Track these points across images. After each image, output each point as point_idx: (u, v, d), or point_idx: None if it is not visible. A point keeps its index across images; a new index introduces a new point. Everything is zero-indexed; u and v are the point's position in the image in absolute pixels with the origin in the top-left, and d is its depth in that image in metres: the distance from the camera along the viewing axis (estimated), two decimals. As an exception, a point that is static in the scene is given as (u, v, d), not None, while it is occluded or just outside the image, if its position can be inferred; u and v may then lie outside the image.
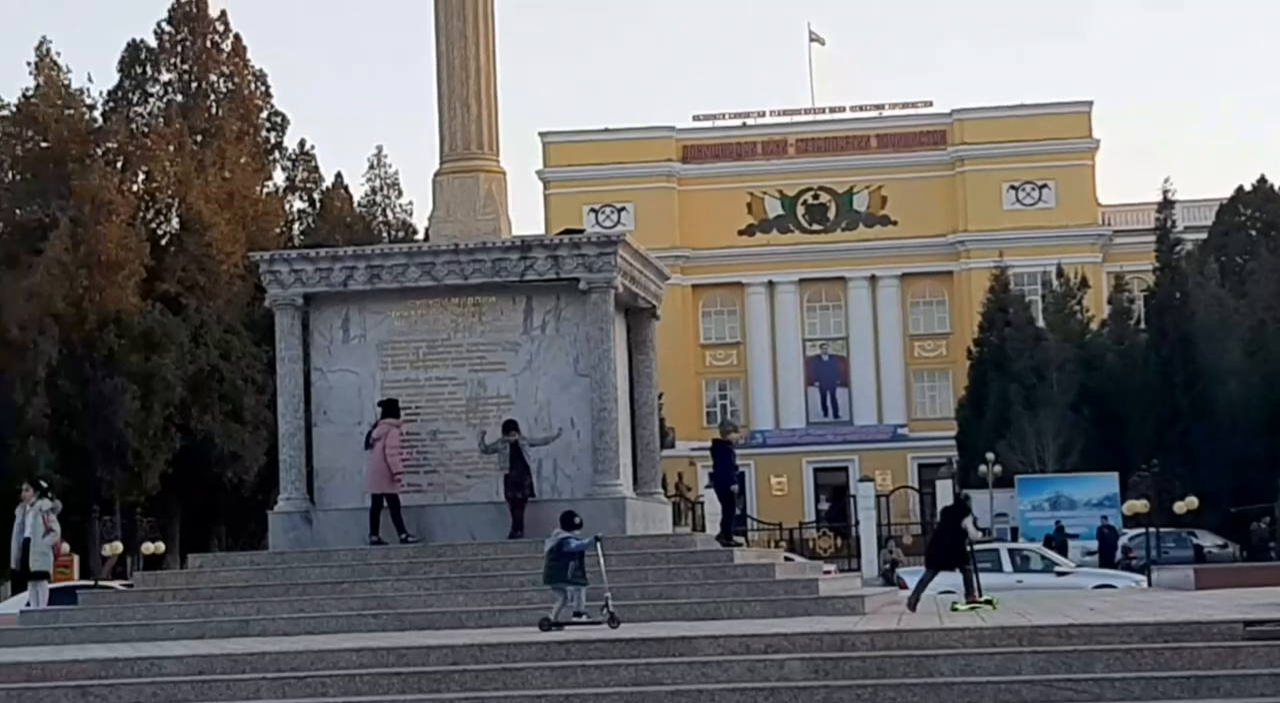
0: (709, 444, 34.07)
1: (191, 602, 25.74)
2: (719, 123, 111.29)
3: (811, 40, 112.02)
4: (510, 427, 26.19)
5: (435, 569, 26.04)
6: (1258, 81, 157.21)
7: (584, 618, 22.02)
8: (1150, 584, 43.86)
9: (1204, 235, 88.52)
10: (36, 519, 32.09)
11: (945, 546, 29.06)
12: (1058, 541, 55.39)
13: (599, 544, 23.40)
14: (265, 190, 79.28)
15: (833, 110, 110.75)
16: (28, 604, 31.48)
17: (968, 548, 28.37)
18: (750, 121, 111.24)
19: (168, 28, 77.37)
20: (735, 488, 32.67)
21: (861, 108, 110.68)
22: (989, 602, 27.61)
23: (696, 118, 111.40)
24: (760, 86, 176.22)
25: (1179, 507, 65.70)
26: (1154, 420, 75.05)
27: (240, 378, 69.24)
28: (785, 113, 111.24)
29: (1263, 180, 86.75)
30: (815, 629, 19.86)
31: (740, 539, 32.45)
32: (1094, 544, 59.17)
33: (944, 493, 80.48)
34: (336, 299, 28.05)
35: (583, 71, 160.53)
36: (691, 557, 27.03)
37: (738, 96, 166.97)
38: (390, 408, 26.97)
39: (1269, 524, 64.21)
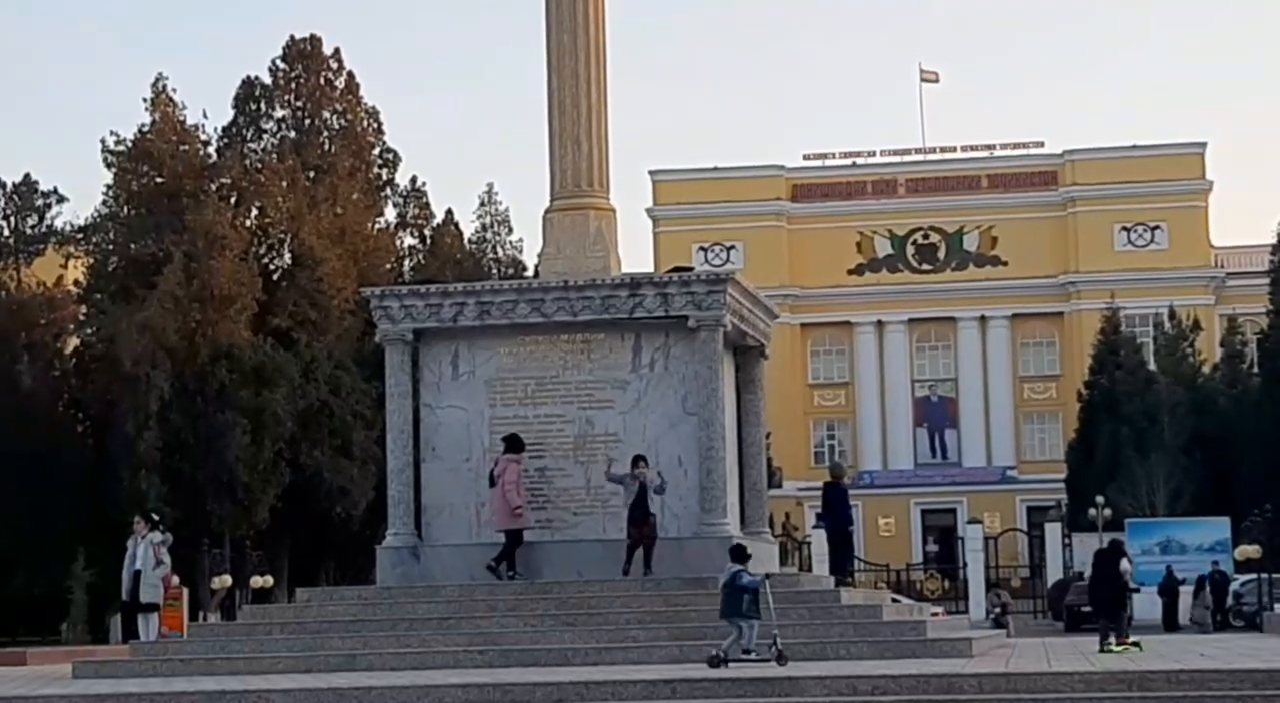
0: (818, 484, 34.28)
1: (299, 635, 25.90)
2: (829, 162, 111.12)
3: (923, 79, 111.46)
4: (639, 460, 26.15)
5: (542, 606, 26.10)
6: None
7: (753, 655, 22.02)
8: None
9: None
10: (147, 551, 32.35)
11: (1107, 590, 30.02)
12: (1167, 586, 54.82)
13: (768, 582, 23.70)
14: (376, 227, 79.74)
15: (943, 150, 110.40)
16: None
17: (1127, 591, 29.12)
18: (860, 161, 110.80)
19: (282, 65, 78.04)
20: (851, 528, 32.95)
21: (972, 148, 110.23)
22: (1137, 644, 28.07)
23: (806, 157, 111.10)
24: (871, 126, 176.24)
25: (1302, 550, 65.48)
26: (1266, 464, 73.64)
27: (349, 413, 69.59)
28: (895, 152, 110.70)
29: None
30: (922, 671, 19.87)
31: (849, 580, 32.68)
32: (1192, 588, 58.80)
33: (1053, 536, 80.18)
34: (446, 335, 28.19)
35: (693, 110, 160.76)
36: (798, 596, 26.83)
37: (848, 136, 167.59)
38: (512, 443, 27.00)
39: None
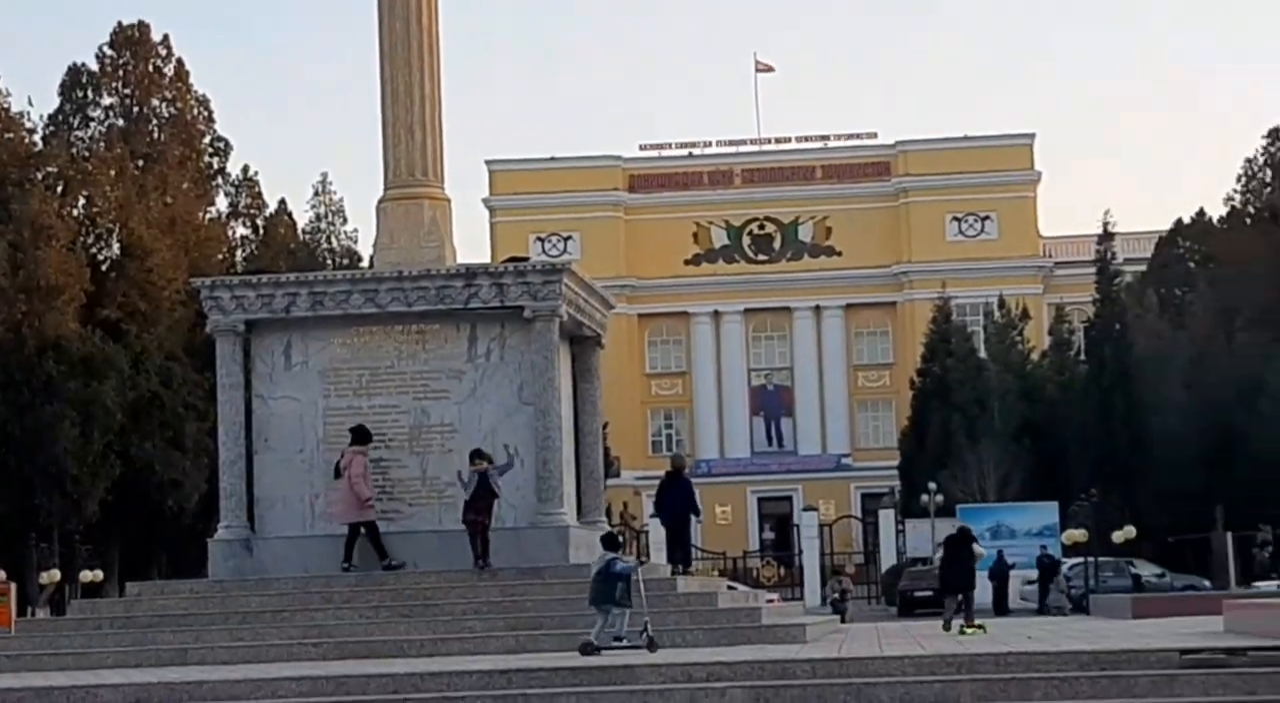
0: (656, 474, 34.41)
1: (129, 630, 25.65)
2: (665, 153, 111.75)
3: (758, 70, 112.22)
4: (477, 455, 26.05)
5: (377, 598, 25.96)
6: (1197, 115, 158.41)
7: (624, 642, 22.08)
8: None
9: (1143, 267, 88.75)
10: None
11: (959, 572, 31.10)
12: (997, 570, 55.67)
13: (640, 569, 23.86)
14: (208, 216, 78.90)
15: (778, 141, 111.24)
16: None
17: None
18: (696, 151, 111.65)
19: (109, 52, 77.09)
20: (698, 518, 33.23)
21: (807, 138, 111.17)
22: (981, 627, 28.81)
23: (643, 147, 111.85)
24: (708, 117, 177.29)
25: (1117, 536, 66.44)
26: (1093, 451, 75.64)
27: (181, 405, 68.95)
28: (731, 143, 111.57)
29: (1201, 213, 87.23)
30: (757, 658, 20.07)
31: (688, 569, 32.92)
32: (1034, 573, 59.86)
33: (886, 523, 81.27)
34: (279, 326, 28.01)
35: (531, 100, 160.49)
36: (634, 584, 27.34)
37: (685, 127, 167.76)
38: (359, 435, 26.87)
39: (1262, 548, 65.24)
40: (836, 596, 60.02)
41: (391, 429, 27.59)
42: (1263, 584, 53.06)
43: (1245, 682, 17.57)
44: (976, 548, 33.95)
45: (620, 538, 25.60)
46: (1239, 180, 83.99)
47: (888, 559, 79.13)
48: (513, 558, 26.67)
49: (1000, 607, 55.25)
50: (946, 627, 29.92)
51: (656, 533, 56.39)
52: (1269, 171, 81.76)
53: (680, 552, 33.92)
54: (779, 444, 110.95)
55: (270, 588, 26.71)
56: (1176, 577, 65.04)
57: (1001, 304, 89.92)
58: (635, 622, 22.38)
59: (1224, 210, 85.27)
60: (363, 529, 26.79)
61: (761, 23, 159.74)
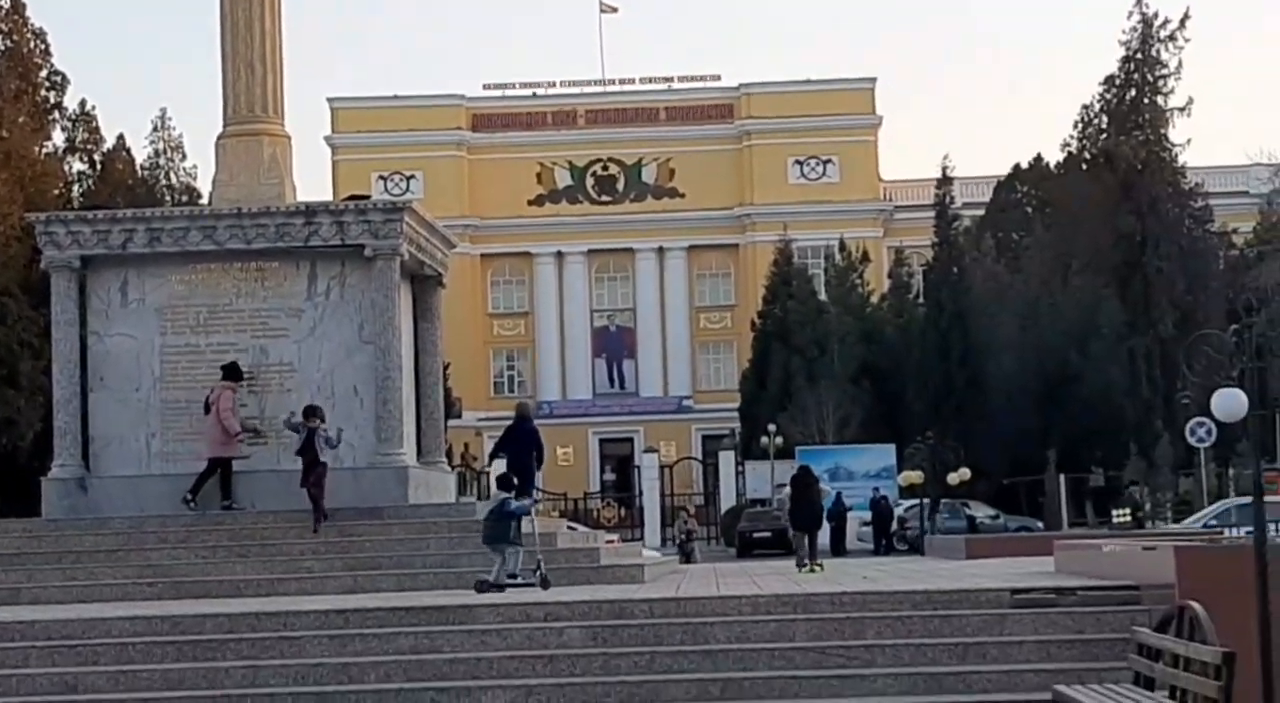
0: (499, 414, 34.97)
1: None
2: (509, 92, 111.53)
3: (602, 10, 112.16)
4: (311, 412, 26.19)
5: (214, 537, 26.15)
6: (1035, 60, 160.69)
7: (518, 579, 22.64)
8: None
9: (981, 212, 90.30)
10: None
11: (809, 511, 32.18)
12: (835, 511, 56.93)
13: (535, 508, 24.70)
14: (44, 151, 77.48)
15: (622, 82, 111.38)
16: None
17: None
18: (540, 92, 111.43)
19: None
20: (540, 462, 33.89)
21: (650, 80, 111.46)
22: (820, 566, 29.89)
23: (487, 87, 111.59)
24: (551, 57, 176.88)
25: (953, 478, 67.34)
26: (931, 393, 76.82)
27: (16, 342, 67.86)
28: (575, 84, 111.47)
29: (1039, 159, 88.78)
30: (594, 597, 20.50)
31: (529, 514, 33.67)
32: (870, 515, 61.38)
33: (726, 464, 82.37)
34: (115, 263, 28.08)
35: (374, 37, 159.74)
36: (474, 525, 26.71)
37: (529, 67, 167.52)
38: (230, 371, 27.05)
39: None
40: (683, 537, 60.91)
41: (239, 363, 27.46)
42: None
43: (1074, 621, 18.18)
44: (822, 486, 34.95)
45: (514, 480, 26.16)
46: (1075, 127, 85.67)
47: (727, 500, 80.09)
48: (351, 498, 26.90)
49: (838, 548, 56.59)
50: (800, 565, 30.68)
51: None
52: (1104, 118, 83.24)
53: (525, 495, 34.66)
54: (620, 385, 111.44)
55: (105, 527, 26.81)
56: (1010, 518, 66.65)
57: (842, 248, 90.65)
58: (529, 560, 22.99)
59: (1061, 156, 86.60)
60: (218, 467, 26.85)
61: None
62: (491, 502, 25.03)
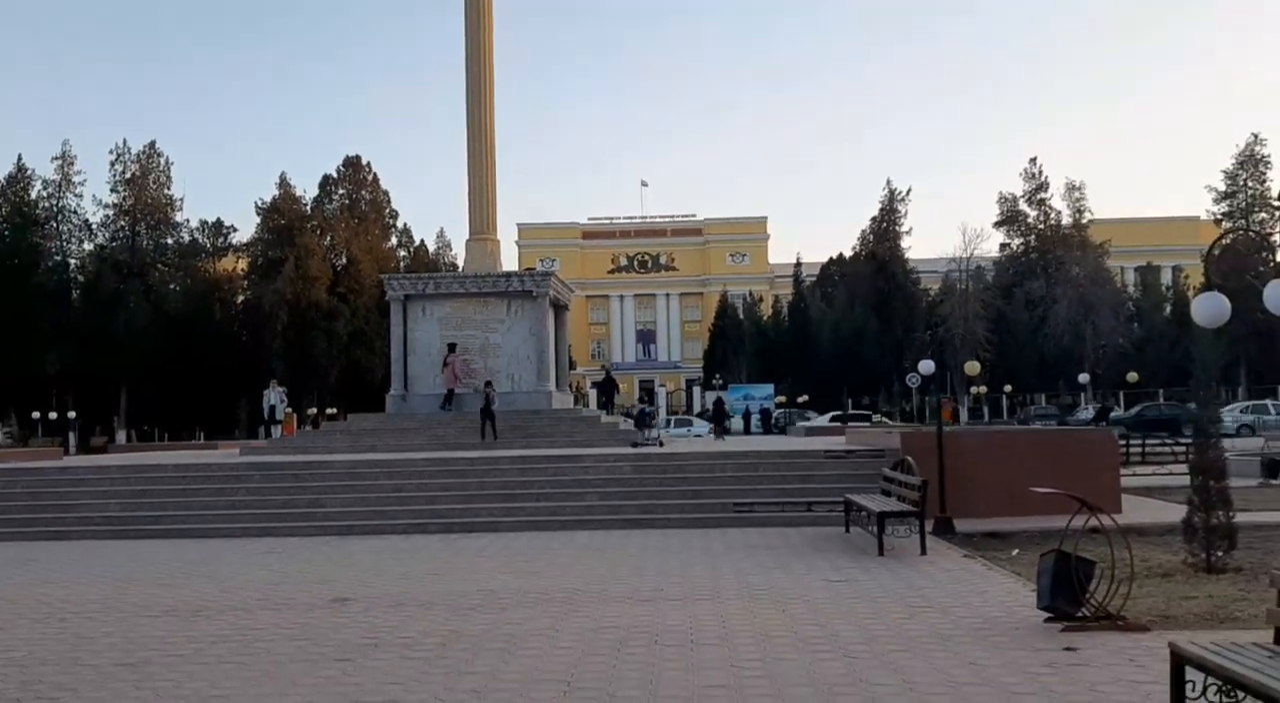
0: (594, 370, 36.76)
1: (348, 436, 26.86)
2: (599, 220, 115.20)
3: (642, 185, 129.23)
4: (488, 384, 26.45)
5: (458, 423, 26.85)
6: (853, 185, 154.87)
7: (653, 443, 24.84)
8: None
9: (816, 276, 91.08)
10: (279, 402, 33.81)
11: (719, 414, 33.21)
12: (716, 413, 59.60)
13: (655, 410, 27.51)
14: (386, 246, 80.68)
15: (650, 216, 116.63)
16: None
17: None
18: (613, 221, 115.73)
19: (342, 168, 79.74)
20: (619, 396, 35.82)
21: (664, 217, 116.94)
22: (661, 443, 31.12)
23: (590, 218, 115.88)
24: (618, 203, 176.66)
25: (801, 399, 69.90)
26: (788, 361, 78.38)
27: (375, 334, 69.44)
28: (628, 217, 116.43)
29: (842, 254, 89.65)
30: (636, 452, 21.37)
31: (607, 413, 35.43)
32: (758, 417, 63.14)
33: (697, 394, 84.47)
34: (419, 298, 28.99)
35: (540, 185, 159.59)
36: (581, 419, 28.41)
37: (606, 208, 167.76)
38: (452, 348, 28.19)
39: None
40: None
41: (471, 345, 28.71)
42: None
43: (854, 464, 18.62)
44: (647, 410, 35.09)
45: (647, 399, 29.79)
46: (859, 239, 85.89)
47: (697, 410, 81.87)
48: (525, 405, 27.54)
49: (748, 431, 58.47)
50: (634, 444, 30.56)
51: (593, 398, 59.51)
52: (872, 236, 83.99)
53: (607, 408, 36.28)
54: (649, 356, 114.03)
55: (413, 419, 27.79)
56: (825, 418, 68.85)
57: (750, 296, 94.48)
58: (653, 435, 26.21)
59: (851, 252, 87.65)
60: (451, 393, 27.96)
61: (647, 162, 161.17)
62: (638, 408, 28.33)
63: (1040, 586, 8.46)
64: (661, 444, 25.81)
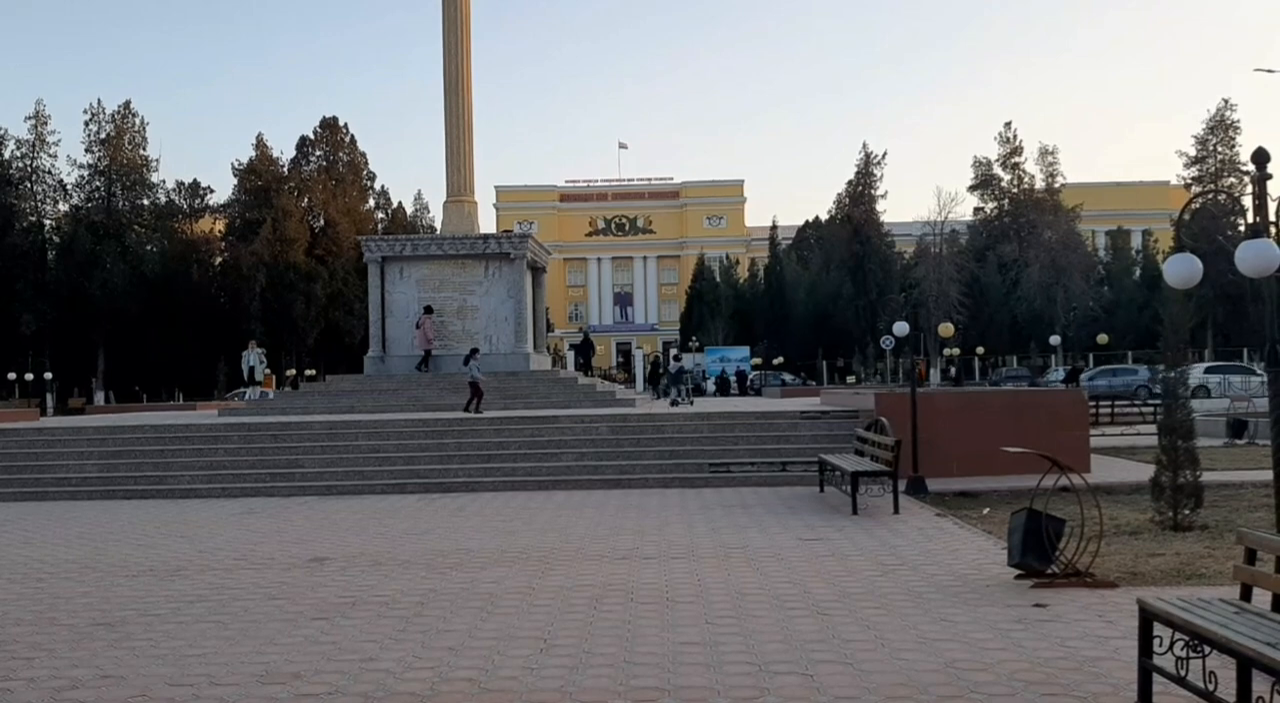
0: (572, 332, 36.68)
1: (326, 397, 26.58)
2: (577, 183, 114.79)
3: (620, 146, 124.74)
4: (472, 354, 25.21)
5: (436, 385, 26.52)
6: (832, 146, 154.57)
7: (683, 401, 26.24)
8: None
9: (792, 239, 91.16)
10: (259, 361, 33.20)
11: (677, 377, 31.94)
12: (718, 378, 59.34)
13: (686, 374, 28.61)
14: (364, 208, 79.91)
15: (628, 178, 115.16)
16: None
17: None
18: (591, 184, 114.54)
19: (319, 129, 78.89)
20: (594, 356, 35.57)
21: (642, 179, 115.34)
22: (692, 402, 31.88)
23: (567, 181, 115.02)
24: (595, 165, 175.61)
25: (776, 361, 70.28)
26: (765, 323, 78.68)
27: (353, 296, 69.88)
28: (606, 180, 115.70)
29: (818, 217, 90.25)
30: (613, 412, 21.22)
31: (579, 374, 35.27)
32: (734, 380, 63.43)
33: (672, 356, 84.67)
34: (396, 259, 28.43)
35: (518, 146, 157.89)
36: (559, 380, 27.99)
37: (584, 169, 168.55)
38: (427, 309, 27.81)
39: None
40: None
41: (449, 306, 28.31)
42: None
43: (828, 424, 18.71)
44: (685, 366, 35.76)
45: (683, 359, 30.14)
46: (835, 201, 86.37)
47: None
48: (504, 367, 27.23)
49: (724, 393, 58.83)
50: (678, 403, 29.75)
51: (570, 359, 59.63)
52: (848, 199, 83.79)
53: (583, 369, 36.25)
54: (626, 319, 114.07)
55: (391, 380, 27.35)
56: (801, 381, 69.58)
57: (727, 258, 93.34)
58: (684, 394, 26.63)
59: (827, 215, 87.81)
60: (427, 355, 27.57)
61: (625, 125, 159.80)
62: (674, 366, 29.80)
63: (1011, 543, 8.50)
64: (692, 403, 26.12)
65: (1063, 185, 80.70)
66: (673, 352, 42.67)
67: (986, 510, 12.66)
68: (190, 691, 5.93)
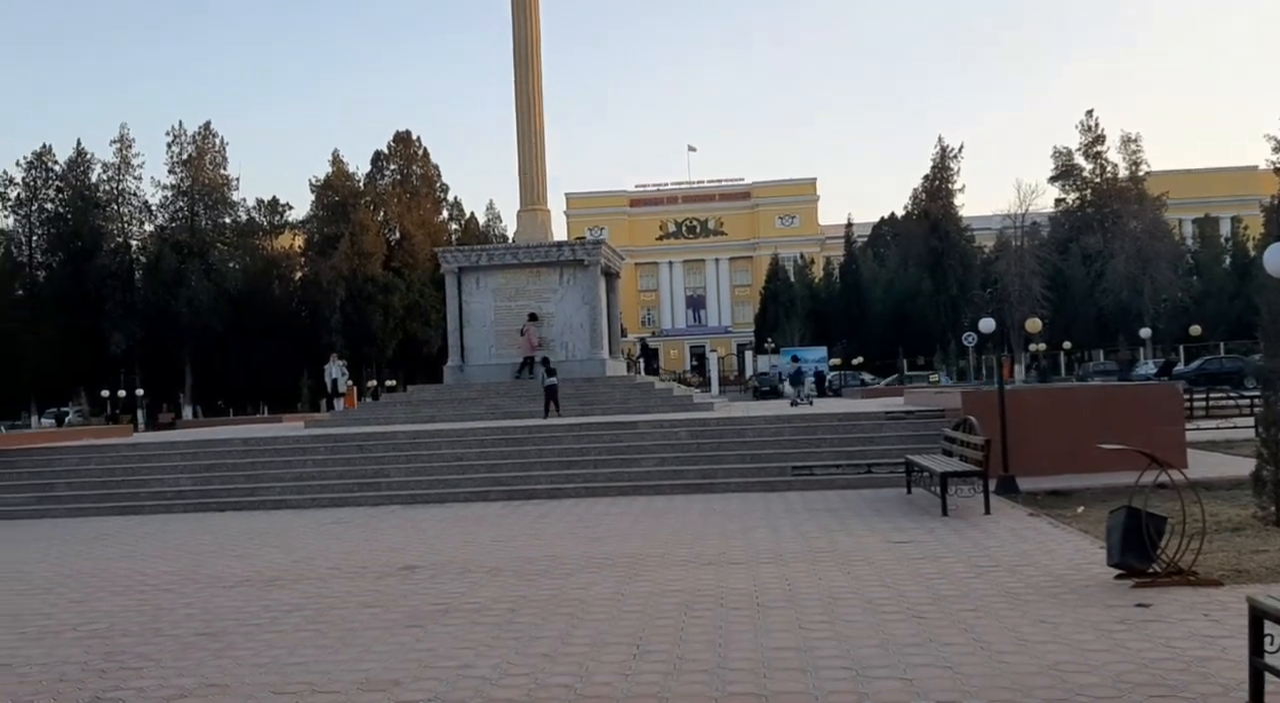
0: (642, 336, 36.86)
1: (408, 407, 27.10)
2: (647, 187, 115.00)
3: (690, 149, 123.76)
4: (546, 360, 26.39)
5: (519, 392, 27.13)
6: (895, 164, 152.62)
7: (805, 401, 26.85)
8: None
9: (867, 237, 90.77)
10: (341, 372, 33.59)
11: (798, 377, 33.23)
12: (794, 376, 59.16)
13: (807, 377, 29.01)
14: (438, 220, 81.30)
15: (699, 181, 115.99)
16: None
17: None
18: (661, 188, 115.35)
19: (393, 143, 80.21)
20: (655, 361, 35.82)
21: (712, 181, 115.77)
22: (812, 402, 30.75)
23: (637, 186, 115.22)
24: (666, 168, 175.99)
25: (855, 361, 69.92)
26: (842, 323, 78.19)
27: (429, 306, 71.74)
28: (676, 183, 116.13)
29: (893, 214, 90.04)
30: (693, 416, 21.47)
31: (655, 378, 35.59)
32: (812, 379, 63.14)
33: (749, 357, 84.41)
34: (472, 269, 28.89)
35: (586, 154, 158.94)
36: (635, 385, 28.20)
37: (654, 174, 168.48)
38: (533, 317, 28.17)
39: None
40: (754, 385, 63.04)
41: (524, 315, 28.61)
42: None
43: (913, 425, 18.70)
44: (804, 367, 36.31)
45: (798, 359, 30.37)
46: (910, 198, 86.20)
47: (749, 372, 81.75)
48: (580, 373, 27.60)
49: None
50: (794, 403, 30.74)
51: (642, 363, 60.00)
52: (924, 194, 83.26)
53: (649, 370, 36.21)
54: (699, 321, 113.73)
55: (471, 388, 27.86)
56: (882, 380, 68.86)
57: (801, 258, 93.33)
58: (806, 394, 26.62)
59: (904, 211, 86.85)
60: (529, 361, 27.89)
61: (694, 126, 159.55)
62: (792, 366, 29.38)
63: (1110, 542, 8.33)
64: (812, 404, 26.25)
65: (1147, 173, 78.79)
66: (792, 353, 42.74)
67: (1081, 509, 12.41)
68: (293, 698, 6.07)
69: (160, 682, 6.60)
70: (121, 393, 65.94)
